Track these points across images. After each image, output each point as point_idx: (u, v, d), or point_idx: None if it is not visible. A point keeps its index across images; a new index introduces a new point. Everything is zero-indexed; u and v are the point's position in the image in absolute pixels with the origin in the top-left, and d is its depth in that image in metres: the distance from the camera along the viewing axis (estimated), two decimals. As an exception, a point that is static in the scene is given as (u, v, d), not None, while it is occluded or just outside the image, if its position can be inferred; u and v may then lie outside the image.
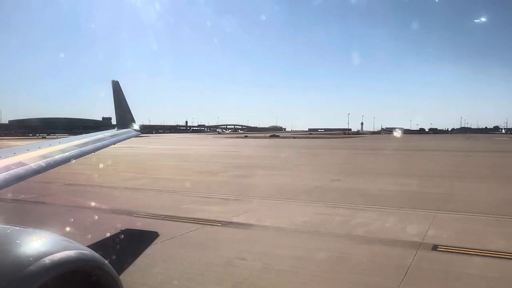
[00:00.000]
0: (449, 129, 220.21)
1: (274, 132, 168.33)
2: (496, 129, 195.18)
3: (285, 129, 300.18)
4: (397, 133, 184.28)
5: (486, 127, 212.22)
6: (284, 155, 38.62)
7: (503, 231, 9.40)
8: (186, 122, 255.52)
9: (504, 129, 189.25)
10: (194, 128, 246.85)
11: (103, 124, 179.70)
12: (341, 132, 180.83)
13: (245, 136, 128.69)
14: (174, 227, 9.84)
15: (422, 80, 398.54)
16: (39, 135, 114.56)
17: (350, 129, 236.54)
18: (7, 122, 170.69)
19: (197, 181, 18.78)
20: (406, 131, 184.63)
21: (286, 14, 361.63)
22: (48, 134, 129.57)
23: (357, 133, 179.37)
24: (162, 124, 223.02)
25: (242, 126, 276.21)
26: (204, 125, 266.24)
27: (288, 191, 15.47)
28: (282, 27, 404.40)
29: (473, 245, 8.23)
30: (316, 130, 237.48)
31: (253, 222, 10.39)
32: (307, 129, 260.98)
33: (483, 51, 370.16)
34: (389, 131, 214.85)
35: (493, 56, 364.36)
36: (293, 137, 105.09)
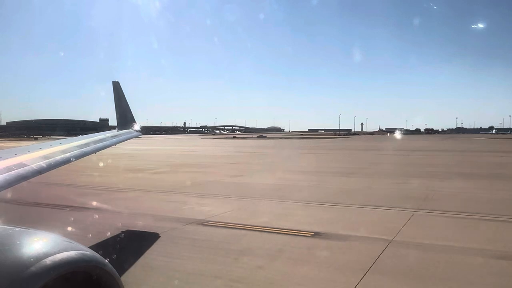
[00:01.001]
0: (445, 130, 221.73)
1: (263, 133, 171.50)
2: (491, 129, 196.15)
3: (283, 129, 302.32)
4: (391, 134, 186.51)
5: (481, 127, 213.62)
6: (234, 155, 41.17)
7: (307, 213, 11.78)
8: (184, 123, 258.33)
9: (495, 129, 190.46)
10: (191, 129, 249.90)
11: (101, 126, 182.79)
12: (340, 132, 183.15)
13: (233, 137, 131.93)
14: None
15: (421, 81, 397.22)
16: (32, 137, 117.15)
17: (351, 130, 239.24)
18: (5, 123, 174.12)
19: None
20: (404, 132, 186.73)
21: (286, 14, 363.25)
22: (44, 136, 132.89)
23: (349, 133, 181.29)
24: (160, 125, 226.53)
25: (240, 127, 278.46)
26: (205, 126, 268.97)
27: (173, 185, 18.02)
28: (282, 27, 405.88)
29: (242, 221, 10.52)
30: (316, 130, 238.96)
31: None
32: (307, 130, 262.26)
33: (482, 51, 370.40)
34: (385, 131, 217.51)
35: (493, 56, 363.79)
36: (280, 138, 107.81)
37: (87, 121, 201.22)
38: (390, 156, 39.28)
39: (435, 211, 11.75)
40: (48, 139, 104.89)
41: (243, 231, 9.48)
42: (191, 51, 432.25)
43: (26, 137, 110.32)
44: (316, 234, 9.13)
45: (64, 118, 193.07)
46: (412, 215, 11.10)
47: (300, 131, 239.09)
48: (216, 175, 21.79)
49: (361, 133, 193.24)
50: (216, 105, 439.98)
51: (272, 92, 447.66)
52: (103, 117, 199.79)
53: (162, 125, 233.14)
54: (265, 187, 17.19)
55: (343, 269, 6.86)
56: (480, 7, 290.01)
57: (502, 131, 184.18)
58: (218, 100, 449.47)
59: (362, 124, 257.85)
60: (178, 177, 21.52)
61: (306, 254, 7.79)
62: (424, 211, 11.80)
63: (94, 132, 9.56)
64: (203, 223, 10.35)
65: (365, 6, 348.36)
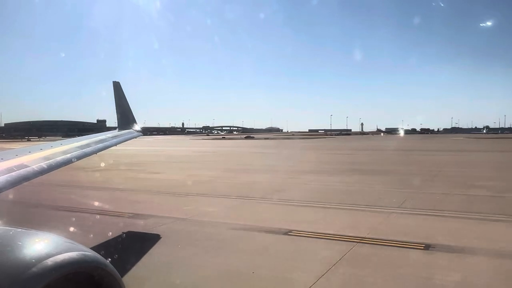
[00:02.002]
0: (440, 129, 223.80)
1: (249, 133, 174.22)
2: (485, 128, 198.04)
3: (282, 130, 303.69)
4: (385, 134, 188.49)
5: (475, 127, 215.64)
6: (191, 155, 42.98)
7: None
8: (183, 124, 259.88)
9: (486, 129, 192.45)
10: (189, 129, 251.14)
11: (98, 127, 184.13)
12: (332, 133, 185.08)
13: (222, 137, 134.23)
14: None
15: (421, 80, 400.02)
16: (25, 138, 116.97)
17: (351, 130, 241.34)
18: (3, 125, 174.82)
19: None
20: (402, 132, 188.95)
21: (285, 15, 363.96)
22: (40, 137, 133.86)
23: (340, 133, 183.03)
24: (157, 125, 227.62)
25: (237, 127, 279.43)
26: (207, 126, 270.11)
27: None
28: (281, 27, 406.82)
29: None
30: (316, 131, 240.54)
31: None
32: (308, 130, 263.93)
33: (481, 51, 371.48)
34: (382, 132, 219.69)
35: (491, 55, 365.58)
36: (265, 138, 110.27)
37: (84, 122, 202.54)
38: (324, 155, 41.19)
39: (267, 200, 14.27)
40: (40, 141, 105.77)
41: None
42: (190, 51, 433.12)
43: (20, 139, 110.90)
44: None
45: (62, 120, 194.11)
46: (243, 201, 13.93)
47: (299, 132, 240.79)
48: (135, 172, 23.84)
49: (353, 133, 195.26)
50: (214, 106, 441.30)
51: (272, 92, 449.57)
52: (101, 118, 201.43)
53: (160, 125, 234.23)
54: (159, 183, 18.91)
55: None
56: (479, 7, 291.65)
57: (493, 131, 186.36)
58: (217, 100, 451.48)
59: (362, 124, 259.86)
60: (104, 174, 23.30)
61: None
62: (262, 199, 14.37)
63: (92, 133, 9.45)
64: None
65: (365, 6, 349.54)
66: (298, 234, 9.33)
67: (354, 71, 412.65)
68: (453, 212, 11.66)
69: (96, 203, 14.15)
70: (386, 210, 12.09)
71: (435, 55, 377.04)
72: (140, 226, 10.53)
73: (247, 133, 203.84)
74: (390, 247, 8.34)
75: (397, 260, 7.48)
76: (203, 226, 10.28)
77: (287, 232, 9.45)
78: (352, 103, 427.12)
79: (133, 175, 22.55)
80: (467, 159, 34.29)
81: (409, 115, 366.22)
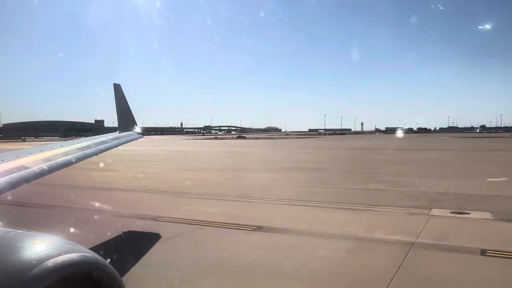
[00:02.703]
0: (437, 128, 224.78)
1: (241, 133, 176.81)
2: (481, 128, 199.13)
3: (280, 129, 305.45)
4: (381, 133, 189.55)
5: (472, 126, 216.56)
6: (167, 153, 44.86)
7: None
8: (181, 124, 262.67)
9: (480, 128, 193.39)
10: (187, 129, 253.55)
11: (96, 127, 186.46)
12: (325, 132, 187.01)
13: (215, 137, 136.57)
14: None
15: (421, 80, 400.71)
16: (21, 139, 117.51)
17: (350, 129, 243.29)
18: (1, 125, 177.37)
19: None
20: (399, 131, 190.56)
21: (284, 14, 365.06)
22: (36, 137, 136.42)
23: (335, 133, 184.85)
24: (155, 126, 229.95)
25: (236, 127, 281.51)
26: (208, 126, 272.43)
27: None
28: (280, 27, 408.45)
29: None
30: (316, 130, 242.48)
31: None
32: (308, 130, 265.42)
33: (480, 50, 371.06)
34: (380, 131, 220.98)
35: (490, 55, 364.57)
36: (256, 138, 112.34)
37: (83, 122, 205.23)
38: (288, 154, 43.48)
39: (172, 193, 16.16)
40: (34, 141, 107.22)
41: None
42: (189, 51, 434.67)
43: (15, 139, 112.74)
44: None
45: (61, 120, 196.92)
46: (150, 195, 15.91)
47: (298, 131, 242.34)
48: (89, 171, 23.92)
49: (349, 133, 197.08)
50: (213, 106, 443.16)
51: (271, 92, 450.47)
52: (99, 118, 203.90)
53: (158, 125, 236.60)
54: (102, 178, 20.60)
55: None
56: (477, 7, 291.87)
57: (487, 130, 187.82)
58: (216, 100, 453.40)
59: (362, 123, 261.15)
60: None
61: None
62: (168, 193, 16.20)
63: (90, 133, 10.70)
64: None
65: (363, 6, 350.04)
66: (164, 219, 11.15)
67: (353, 70, 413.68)
68: (317, 202, 13.46)
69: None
70: (262, 201, 13.97)
71: (434, 54, 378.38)
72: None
73: (246, 133, 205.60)
74: (223, 228, 10.15)
75: (223, 237, 9.31)
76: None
77: (156, 218, 11.27)
78: (352, 102, 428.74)
79: (82, 172, 23.86)
80: (417, 157, 35.95)
81: (410, 115, 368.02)
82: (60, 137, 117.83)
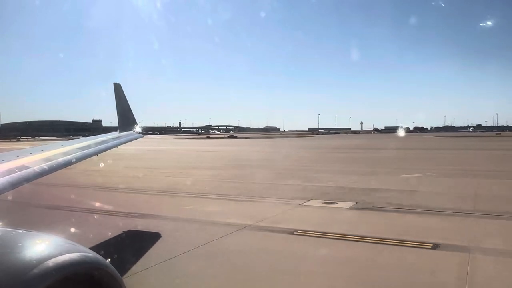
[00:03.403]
0: (433, 128, 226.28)
1: (233, 133, 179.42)
2: (473, 127, 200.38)
3: (279, 129, 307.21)
4: (377, 133, 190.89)
5: (468, 125, 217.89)
6: (143, 152, 45.68)
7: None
8: (180, 123, 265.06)
9: (472, 128, 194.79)
10: (185, 129, 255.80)
11: (93, 127, 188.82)
12: (319, 131, 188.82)
13: (207, 137, 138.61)
14: None
15: (419, 80, 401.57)
16: (17, 139, 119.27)
17: (350, 128, 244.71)
18: (0, 125, 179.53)
19: None
20: (398, 130, 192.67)
21: (283, 14, 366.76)
22: (33, 137, 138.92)
23: (328, 132, 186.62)
24: (153, 125, 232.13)
25: (234, 127, 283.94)
26: (208, 125, 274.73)
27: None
28: (279, 27, 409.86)
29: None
30: (316, 129, 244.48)
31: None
32: (307, 129, 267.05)
33: (478, 49, 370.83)
34: (377, 130, 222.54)
35: (488, 54, 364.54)
36: (246, 138, 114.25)
37: (80, 122, 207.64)
38: (251, 153, 45.22)
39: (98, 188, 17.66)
40: (28, 140, 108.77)
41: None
42: (187, 51, 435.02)
43: (10, 139, 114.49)
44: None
45: (59, 120, 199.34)
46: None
47: (297, 131, 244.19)
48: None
49: (343, 132, 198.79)
50: (212, 106, 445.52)
51: (270, 91, 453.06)
52: (97, 118, 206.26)
53: (155, 125, 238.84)
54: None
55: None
56: (475, 8, 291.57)
57: (481, 129, 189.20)
58: (215, 100, 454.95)
59: (361, 123, 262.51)
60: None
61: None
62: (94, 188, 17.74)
63: (88, 133, 11.47)
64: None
65: (362, 6, 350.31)
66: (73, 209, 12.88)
67: (353, 70, 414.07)
68: (217, 195, 15.24)
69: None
70: (173, 194, 15.69)
71: (433, 54, 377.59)
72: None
73: (244, 132, 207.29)
74: (109, 215, 11.87)
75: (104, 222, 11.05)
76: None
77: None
78: (352, 102, 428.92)
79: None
80: (370, 156, 37.90)
81: (409, 114, 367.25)
82: (57, 137, 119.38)
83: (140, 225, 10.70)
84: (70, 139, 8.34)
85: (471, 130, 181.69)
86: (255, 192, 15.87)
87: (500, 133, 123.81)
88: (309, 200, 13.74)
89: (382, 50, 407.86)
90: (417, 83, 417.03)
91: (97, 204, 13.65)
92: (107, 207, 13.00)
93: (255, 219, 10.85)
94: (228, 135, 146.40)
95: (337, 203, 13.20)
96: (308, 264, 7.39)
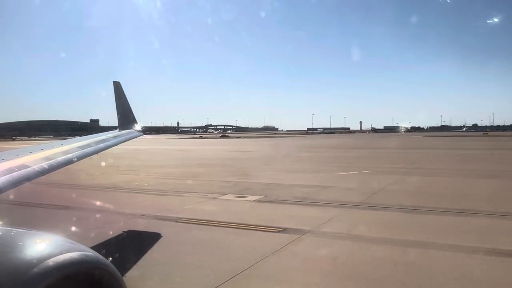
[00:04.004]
0: (428, 127, 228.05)
1: (224, 132, 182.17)
2: (467, 127, 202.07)
3: (277, 129, 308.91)
4: (371, 132, 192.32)
5: (464, 125, 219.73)
6: (128, 153, 47.54)
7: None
8: (178, 123, 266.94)
9: (466, 127, 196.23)
10: (183, 128, 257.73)
11: (91, 126, 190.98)
12: (313, 132, 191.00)
13: (200, 136, 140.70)
14: None
15: (419, 79, 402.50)
16: (11, 138, 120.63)
17: (349, 128, 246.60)
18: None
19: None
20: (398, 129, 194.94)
21: (283, 14, 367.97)
22: (29, 137, 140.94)
23: (323, 132, 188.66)
24: (150, 125, 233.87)
25: (232, 126, 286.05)
26: (209, 125, 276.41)
27: None
28: (279, 26, 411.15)
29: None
30: (315, 129, 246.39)
31: None
32: (306, 129, 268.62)
33: (476, 49, 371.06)
34: (374, 130, 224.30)
35: (486, 54, 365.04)
36: (237, 137, 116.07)
37: (79, 122, 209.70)
38: (222, 152, 47.13)
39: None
40: (22, 140, 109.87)
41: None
42: (185, 50, 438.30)
43: (6, 138, 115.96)
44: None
45: (57, 119, 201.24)
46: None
47: (294, 130, 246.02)
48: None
49: (339, 132, 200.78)
50: (211, 105, 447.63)
51: (270, 91, 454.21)
52: (94, 117, 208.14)
53: (153, 125, 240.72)
54: None
55: None
56: (477, 6, 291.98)
57: (475, 128, 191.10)
58: (214, 100, 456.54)
59: (361, 122, 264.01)
60: None
61: None
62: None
63: (84, 133, 10.22)
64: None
65: (362, 5, 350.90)
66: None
67: (352, 70, 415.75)
68: (152, 191, 16.80)
69: None
70: (105, 189, 17.26)
71: (433, 53, 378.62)
72: None
73: (242, 132, 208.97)
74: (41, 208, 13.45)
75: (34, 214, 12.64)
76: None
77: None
78: (351, 102, 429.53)
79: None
80: (335, 155, 39.40)
81: (410, 113, 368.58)
82: (54, 136, 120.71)
83: (51, 214, 12.27)
84: (64, 139, 8.55)
85: (464, 130, 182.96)
86: (188, 188, 17.43)
87: (487, 133, 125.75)
88: (226, 195, 15.29)
89: (382, 50, 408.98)
90: (417, 82, 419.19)
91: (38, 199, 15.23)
92: (38, 200, 14.48)
93: (158, 210, 12.41)
94: (220, 135, 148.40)
95: (247, 197, 14.74)
96: (159, 243, 8.96)
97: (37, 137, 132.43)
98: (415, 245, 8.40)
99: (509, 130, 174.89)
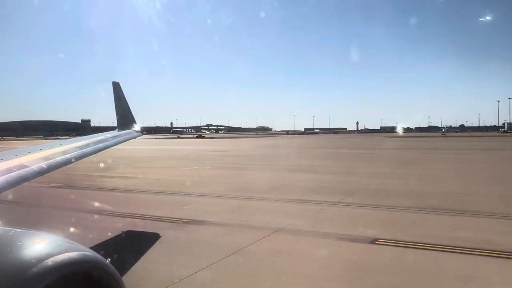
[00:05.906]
0: (414, 128, 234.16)
1: (202, 133, 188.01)
2: (462, 127, 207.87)
3: (271, 129, 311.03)
4: (363, 133, 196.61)
5: (451, 126, 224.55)
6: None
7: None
8: (171, 123, 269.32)
9: (445, 128, 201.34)
10: (175, 129, 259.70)
11: (82, 126, 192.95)
12: (294, 132, 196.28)
13: (177, 137, 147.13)
14: None
15: (419, 79, 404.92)
16: (1, 138, 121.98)
17: (346, 128, 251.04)
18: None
19: None
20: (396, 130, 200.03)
21: (283, 13, 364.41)
22: (17, 136, 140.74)
23: (311, 132, 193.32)
24: (142, 125, 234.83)
25: (224, 126, 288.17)
26: (200, 126, 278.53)
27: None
28: (276, 26, 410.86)
29: None
30: (312, 129, 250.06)
31: None
32: (303, 129, 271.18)
33: (474, 49, 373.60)
34: (362, 130, 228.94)
35: (484, 54, 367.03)
36: (211, 138, 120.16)
37: (68, 121, 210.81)
38: (184, 151, 50.77)
39: None
40: (13, 140, 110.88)
41: None
42: (183, 51, 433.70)
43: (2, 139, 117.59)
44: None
45: (51, 120, 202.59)
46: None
47: (288, 131, 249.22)
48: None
49: (332, 132, 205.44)
50: (206, 106, 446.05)
51: (270, 91, 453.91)
52: (86, 117, 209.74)
53: (144, 125, 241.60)
54: None
55: None
56: (477, 6, 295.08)
57: (460, 129, 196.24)
58: (208, 100, 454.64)
59: (357, 123, 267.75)
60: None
61: None
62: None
63: (75, 133, 12.87)
64: None
65: (361, 5, 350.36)
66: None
67: (352, 70, 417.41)
68: (85, 187, 19.77)
69: None
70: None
71: (430, 53, 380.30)
72: None
73: (235, 132, 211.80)
74: None
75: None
76: None
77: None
78: (350, 101, 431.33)
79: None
80: (281, 154, 44.72)
81: (408, 114, 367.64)
82: (44, 137, 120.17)
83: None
84: (56, 139, 8.86)
85: (443, 130, 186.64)
86: (128, 185, 20.42)
87: (445, 134, 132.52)
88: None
89: (383, 50, 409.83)
90: (417, 82, 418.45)
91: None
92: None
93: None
94: (196, 135, 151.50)
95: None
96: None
97: (25, 137, 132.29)
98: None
99: (491, 131, 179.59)
